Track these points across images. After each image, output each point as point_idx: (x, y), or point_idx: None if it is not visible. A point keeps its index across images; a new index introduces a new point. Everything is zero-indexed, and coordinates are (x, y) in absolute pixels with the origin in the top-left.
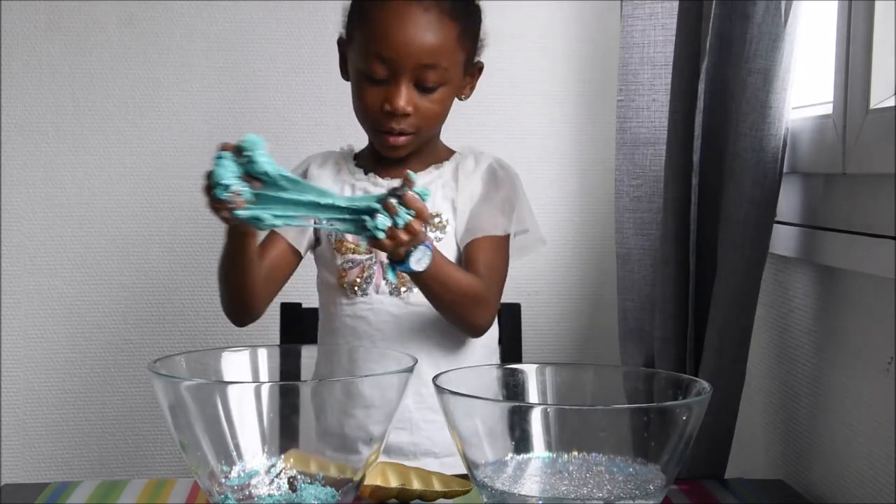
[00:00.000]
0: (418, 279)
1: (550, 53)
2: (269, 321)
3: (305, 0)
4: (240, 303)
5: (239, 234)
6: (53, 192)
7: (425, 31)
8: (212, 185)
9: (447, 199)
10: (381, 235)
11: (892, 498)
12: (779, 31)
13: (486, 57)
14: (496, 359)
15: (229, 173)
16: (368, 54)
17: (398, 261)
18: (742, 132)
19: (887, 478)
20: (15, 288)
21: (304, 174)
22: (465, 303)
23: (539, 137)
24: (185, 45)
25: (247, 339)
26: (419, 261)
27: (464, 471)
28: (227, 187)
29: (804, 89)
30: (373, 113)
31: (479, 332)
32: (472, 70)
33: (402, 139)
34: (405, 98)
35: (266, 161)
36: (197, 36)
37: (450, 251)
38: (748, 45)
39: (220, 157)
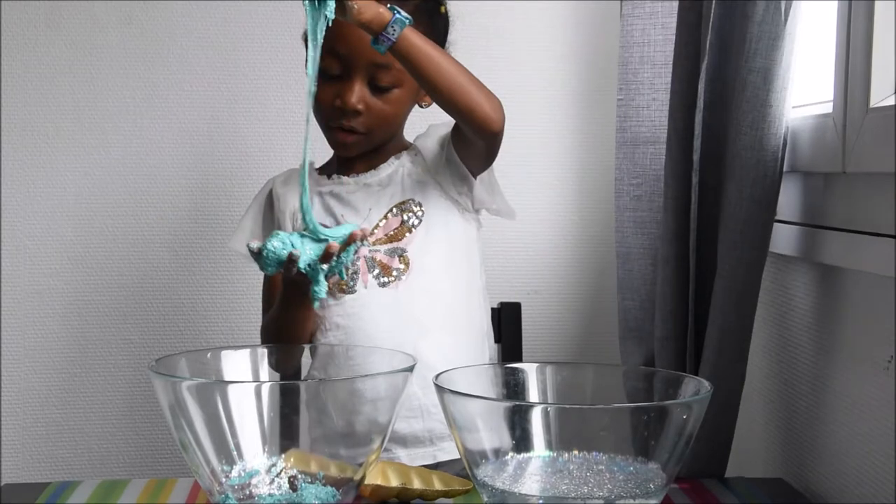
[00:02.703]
0: (409, 50)
1: (550, 53)
2: None
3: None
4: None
5: (302, 304)
6: (53, 192)
7: None
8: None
9: (415, 185)
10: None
11: (892, 498)
12: (779, 30)
13: (485, 56)
14: (492, 341)
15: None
16: (324, 50)
17: (379, 28)
18: (742, 131)
19: (887, 477)
20: (15, 288)
21: (269, 195)
22: (470, 79)
23: (539, 137)
24: (185, 45)
25: (247, 339)
26: (400, 10)
27: None
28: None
29: (804, 89)
30: (325, 108)
31: (492, 122)
32: None
33: (352, 137)
34: (357, 95)
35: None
36: (197, 36)
37: (429, 234)
38: (748, 44)
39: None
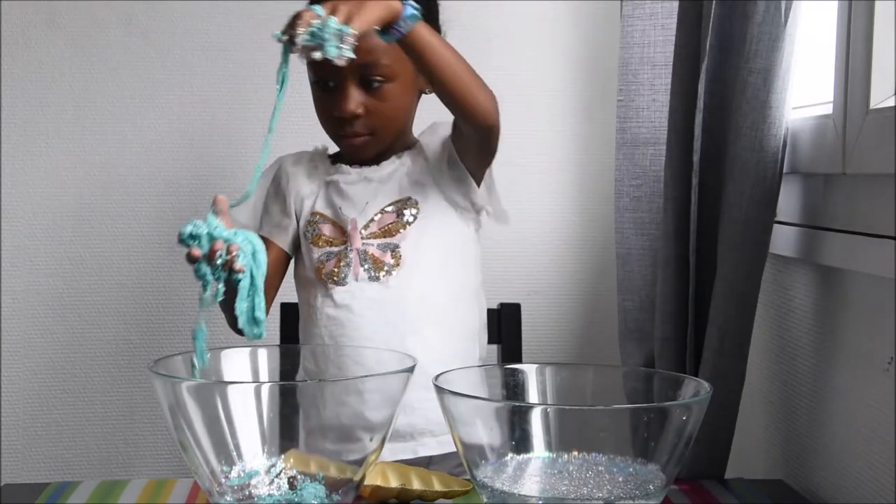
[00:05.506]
0: (415, 43)
1: (550, 53)
2: (270, 321)
3: (306, 0)
4: None
5: None
6: (53, 192)
7: None
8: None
9: (414, 184)
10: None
11: (892, 498)
12: (779, 31)
13: (485, 57)
14: (484, 339)
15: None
16: (311, 62)
17: (393, 20)
18: (742, 132)
19: (887, 478)
20: (15, 288)
21: (278, 172)
22: (470, 73)
23: (539, 137)
24: (185, 45)
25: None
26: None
27: None
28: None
29: (804, 89)
30: (327, 120)
31: (488, 114)
32: None
33: (360, 139)
34: (352, 101)
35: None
36: (197, 36)
37: (423, 232)
38: (748, 45)
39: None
